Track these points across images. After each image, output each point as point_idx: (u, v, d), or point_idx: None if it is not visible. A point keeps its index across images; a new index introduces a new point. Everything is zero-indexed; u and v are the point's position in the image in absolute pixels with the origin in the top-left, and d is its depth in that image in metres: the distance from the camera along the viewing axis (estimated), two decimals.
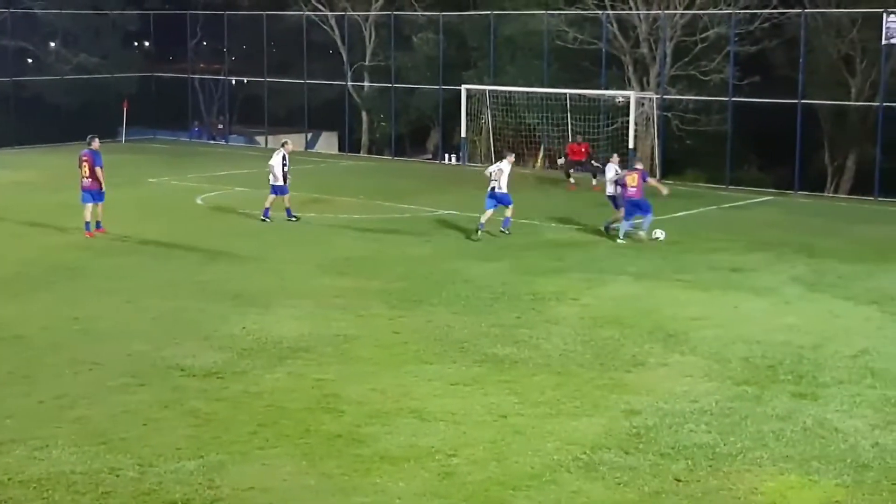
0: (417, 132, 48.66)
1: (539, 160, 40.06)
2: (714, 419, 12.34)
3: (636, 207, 23.95)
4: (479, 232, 23.92)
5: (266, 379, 13.72)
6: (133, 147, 44.65)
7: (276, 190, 26.03)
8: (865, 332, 16.36)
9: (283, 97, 48.58)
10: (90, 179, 23.84)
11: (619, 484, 10.53)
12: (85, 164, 23.92)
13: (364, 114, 46.74)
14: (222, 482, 10.47)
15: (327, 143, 48.90)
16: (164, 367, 14.23)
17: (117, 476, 10.60)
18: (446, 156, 42.50)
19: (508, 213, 24.38)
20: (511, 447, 11.41)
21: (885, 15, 32.15)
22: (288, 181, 26.03)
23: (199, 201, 29.20)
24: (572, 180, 33.98)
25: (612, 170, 25.63)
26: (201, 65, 52.31)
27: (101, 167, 24.01)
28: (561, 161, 35.10)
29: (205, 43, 51.86)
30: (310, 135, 48.07)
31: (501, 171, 24.44)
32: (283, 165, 25.91)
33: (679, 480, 10.64)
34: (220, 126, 51.84)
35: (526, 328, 16.34)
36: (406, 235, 24.54)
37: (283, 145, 26.73)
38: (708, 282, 19.90)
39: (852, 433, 11.91)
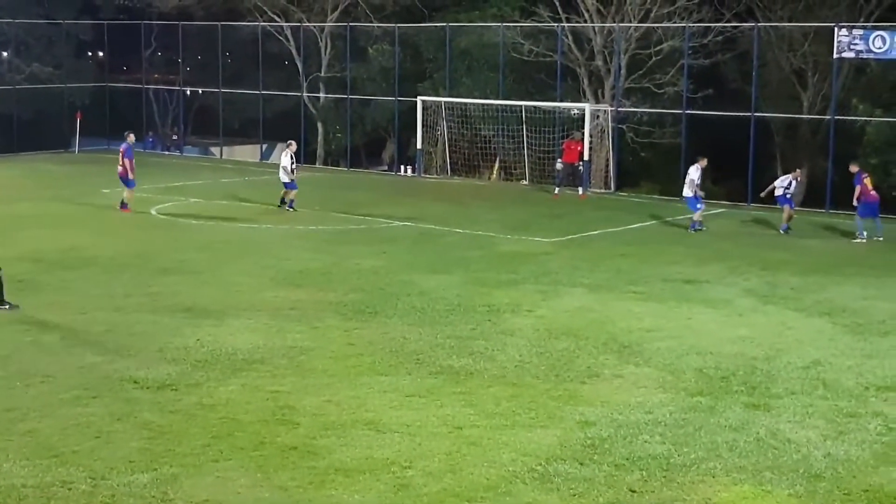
0: (373, 143, 48.64)
1: (495, 172, 40.19)
2: (668, 430, 12.40)
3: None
4: None
5: (220, 391, 13.62)
6: (86, 157, 44.30)
7: (290, 185, 29.80)
8: (817, 343, 16.52)
9: (237, 108, 48.43)
10: (122, 168, 28.87)
11: (574, 495, 10.54)
12: (120, 154, 29.11)
13: (319, 125, 46.65)
14: (175, 495, 10.37)
15: (295, 149, 48.60)
16: (116, 379, 14.08)
17: (69, 489, 10.48)
18: (402, 167, 42.51)
19: None
20: (466, 459, 11.40)
21: (836, 29, 32.57)
22: (295, 177, 30.02)
23: (153, 212, 29.00)
24: (557, 191, 34.11)
25: (695, 172, 27.55)
26: (155, 75, 52.01)
27: (131, 159, 28.95)
28: (559, 165, 35.01)
29: (159, 53, 51.58)
30: (265, 146, 47.90)
31: None
32: (292, 163, 29.91)
33: (634, 491, 10.67)
34: (175, 137, 51.55)
35: (481, 340, 16.35)
36: (361, 247, 24.49)
37: (288, 146, 30.68)
38: (662, 294, 20.02)
39: (805, 444, 12.02)
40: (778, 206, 28.42)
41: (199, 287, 19.98)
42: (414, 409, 13.05)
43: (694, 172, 27.51)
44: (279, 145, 49.03)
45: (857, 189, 27.02)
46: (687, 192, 27.69)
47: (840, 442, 12.10)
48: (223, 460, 11.26)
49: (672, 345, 16.22)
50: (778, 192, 28.12)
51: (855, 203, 27.22)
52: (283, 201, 30.03)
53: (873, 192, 27.11)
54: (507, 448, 11.72)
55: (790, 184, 28.00)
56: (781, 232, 27.70)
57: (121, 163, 28.86)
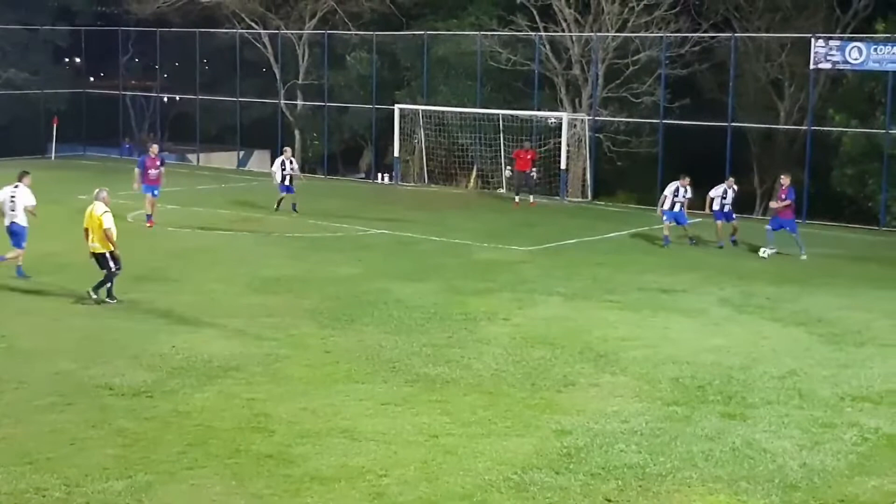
0: (350, 151, 48.63)
1: (472, 180, 40.22)
2: (644, 439, 12.41)
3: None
4: None
5: (195, 398, 13.56)
6: (63, 163, 44.07)
7: (284, 189, 30.82)
8: (793, 353, 16.58)
9: (215, 115, 48.32)
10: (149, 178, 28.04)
11: None
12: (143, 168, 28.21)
13: (297, 132, 46.59)
14: (150, 503, 10.32)
15: (260, 161, 48.63)
16: (91, 386, 14.00)
17: (43, 496, 10.40)
18: (379, 175, 42.47)
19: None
20: (442, 467, 11.38)
21: (812, 40, 32.77)
22: (289, 182, 30.90)
23: (129, 219, 28.82)
24: (517, 199, 34.18)
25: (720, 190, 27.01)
26: (132, 81, 51.87)
27: (138, 168, 28.38)
28: (508, 174, 35.19)
29: (136, 59, 51.44)
30: (242, 153, 47.79)
31: None
32: (283, 168, 30.81)
33: (609, 500, 10.68)
34: (154, 145, 51.24)
35: (457, 348, 16.34)
36: (338, 254, 24.46)
37: (282, 152, 31.72)
38: (638, 303, 20.06)
39: (780, 453, 12.05)
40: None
41: (175, 294, 19.88)
42: (390, 417, 13.02)
43: (668, 189, 27.13)
44: (256, 152, 49.16)
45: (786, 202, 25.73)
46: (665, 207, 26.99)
47: (815, 452, 12.14)
48: (198, 468, 11.20)
49: (648, 354, 16.24)
50: (716, 206, 26.91)
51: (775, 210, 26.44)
52: (292, 206, 30.89)
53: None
54: (482, 456, 11.70)
55: (724, 192, 26.97)
56: (720, 247, 26.74)
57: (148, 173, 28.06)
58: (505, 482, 11.02)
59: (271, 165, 31.64)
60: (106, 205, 19.29)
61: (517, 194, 34.60)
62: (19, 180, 21.57)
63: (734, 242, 26.89)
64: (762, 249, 25.65)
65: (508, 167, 35.61)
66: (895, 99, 32.03)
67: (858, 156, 34.37)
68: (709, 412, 13.49)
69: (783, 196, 25.89)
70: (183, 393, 13.77)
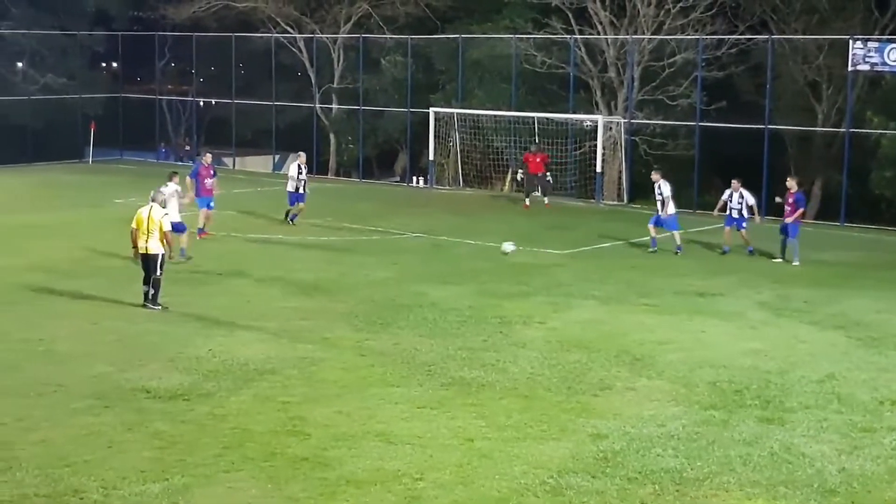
0: (385, 155, 48.66)
1: (508, 183, 40.16)
2: (681, 443, 12.33)
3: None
4: None
5: (231, 401, 13.61)
6: (99, 168, 44.42)
7: (294, 198, 29.08)
8: (831, 357, 16.43)
9: (250, 119, 48.50)
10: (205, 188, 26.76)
11: None
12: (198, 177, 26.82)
13: (332, 136, 46.70)
14: None
15: (305, 160, 48.65)
16: (128, 389, 14.08)
17: (81, 499, 10.46)
18: (414, 178, 42.51)
19: None
20: (477, 471, 11.36)
21: (850, 41, 32.49)
22: (302, 189, 29.11)
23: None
24: (527, 201, 34.22)
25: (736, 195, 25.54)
26: (169, 86, 52.16)
27: (191, 177, 26.56)
28: (521, 176, 35.25)
29: (173, 64, 51.75)
30: (277, 156, 47.95)
31: None
32: (298, 174, 29.01)
33: None
34: (187, 147, 51.63)
35: (493, 351, 16.30)
36: (373, 258, 24.48)
37: (297, 157, 30.17)
38: (674, 306, 19.95)
39: (819, 458, 11.94)
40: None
41: (211, 297, 19.98)
42: (425, 420, 13.01)
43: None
44: (292, 156, 49.28)
45: (801, 211, 24.83)
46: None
47: (855, 457, 12.02)
48: (234, 471, 11.23)
49: (684, 357, 16.15)
50: (735, 214, 25.56)
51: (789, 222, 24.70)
52: (292, 219, 29.30)
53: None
54: (518, 460, 11.67)
55: (730, 196, 25.58)
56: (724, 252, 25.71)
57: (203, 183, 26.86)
58: (541, 486, 10.98)
59: (287, 169, 29.81)
60: (163, 207, 19.44)
61: (527, 196, 34.64)
62: (169, 180, 22.89)
63: (750, 252, 25.54)
64: (775, 258, 24.77)
65: (520, 170, 35.60)
66: None
67: None
68: (746, 416, 13.39)
69: (791, 200, 24.81)
70: (219, 396, 13.82)
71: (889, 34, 35.47)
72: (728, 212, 25.75)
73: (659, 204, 26.21)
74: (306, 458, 11.60)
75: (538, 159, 34.43)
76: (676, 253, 25.67)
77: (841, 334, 17.92)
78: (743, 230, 25.63)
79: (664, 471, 11.46)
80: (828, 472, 11.55)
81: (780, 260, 24.77)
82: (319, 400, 13.73)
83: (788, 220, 24.75)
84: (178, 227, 21.88)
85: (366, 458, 11.64)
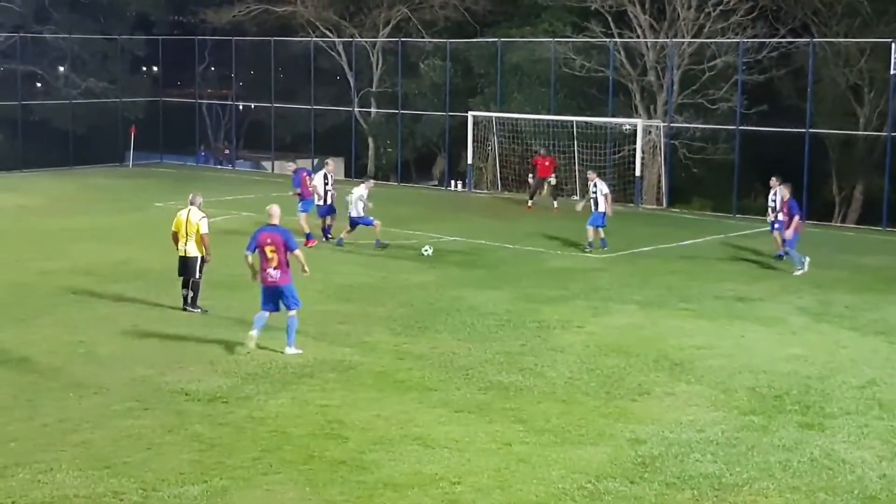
0: (423, 158, 48.74)
1: (546, 188, 40.06)
2: (720, 449, 12.27)
3: None
4: None
5: (270, 404, 13.67)
6: (140, 171, 44.80)
7: (324, 211, 27.20)
8: (872, 363, 16.28)
9: (289, 122, 48.76)
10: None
11: None
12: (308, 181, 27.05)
13: (370, 140, 46.82)
14: None
15: (334, 168, 48.82)
16: (167, 391, 14.19)
17: (121, 500, 10.55)
18: (452, 182, 42.52)
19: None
20: (515, 475, 11.34)
21: (893, 45, 32.18)
22: (331, 201, 27.11)
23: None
24: (530, 203, 34.37)
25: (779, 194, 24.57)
26: (209, 90, 52.53)
27: (295, 185, 27.25)
28: (531, 179, 35.42)
29: (212, 68, 52.10)
30: (316, 160, 48.09)
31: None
32: (325, 184, 27.04)
33: None
34: (227, 151, 51.93)
35: (531, 356, 16.28)
36: (411, 262, 24.52)
37: (325, 165, 27.98)
38: (713, 311, 19.84)
39: (860, 464, 11.84)
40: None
41: (250, 301, 19.92)
42: (463, 424, 13.01)
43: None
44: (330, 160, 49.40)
45: (796, 219, 23.62)
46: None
47: None
48: (272, 473, 11.28)
49: (724, 363, 16.05)
50: (771, 217, 24.90)
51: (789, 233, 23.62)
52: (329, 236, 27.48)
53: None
54: (556, 465, 11.65)
55: (773, 198, 24.84)
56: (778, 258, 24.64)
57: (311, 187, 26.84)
58: (579, 491, 10.95)
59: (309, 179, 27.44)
60: (200, 210, 19.53)
61: (531, 198, 34.95)
62: (363, 180, 24.16)
63: (779, 257, 24.76)
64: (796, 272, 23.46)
65: (530, 174, 35.70)
66: None
67: None
68: (786, 422, 13.29)
69: (784, 209, 23.88)
70: (258, 399, 13.89)
71: None
72: (775, 216, 24.84)
73: (593, 203, 26.11)
74: (344, 462, 11.63)
75: (547, 162, 34.62)
76: (591, 248, 26.24)
77: (882, 340, 17.76)
78: (776, 232, 24.74)
79: (703, 476, 11.40)
80: (868, 478, 11.45)
81: (802, 271, 23.43)
82: (357, 403, 13.76)
83: (788, 234, 23.56)
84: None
85: (404, 462, 11.65)
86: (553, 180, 35.21)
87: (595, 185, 26.25)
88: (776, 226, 24.79)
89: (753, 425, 13.16)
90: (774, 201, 25.02)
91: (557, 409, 13.70)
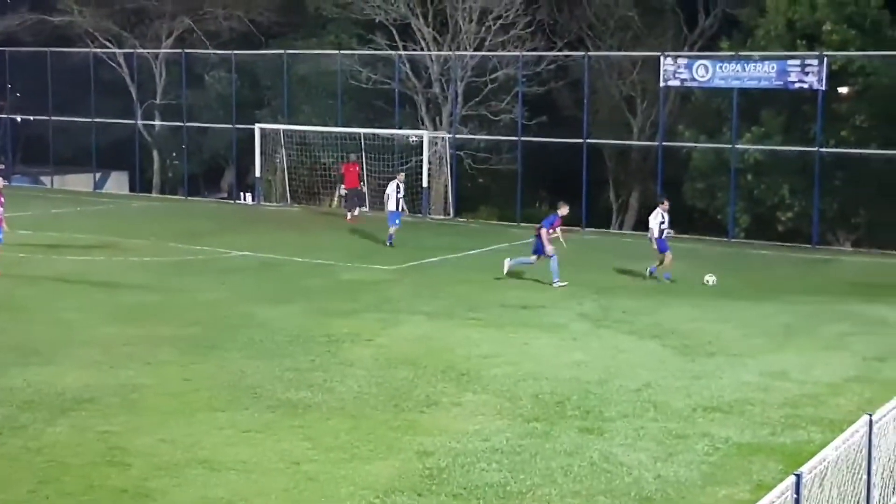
0: (211, 171, 48.06)
1: (336, 199, 40.13)
2: (505, 457, 12.54)
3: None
4: None
5: (47, 433, 13.18)
6: None
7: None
8: (648, 365, 16.95)
9: (70, 136, 47.17)
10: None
11: None
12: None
13: (155, 153, 45.86)
14: None
15: (117, 183, 47.70)
16: None
17: None
18: (241, 195, 42.07)
19: None
20: (304, 494, 11.32)
21: (662, 58, 33.67)
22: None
23: None
24: (356, 212, 34.60)
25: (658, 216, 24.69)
26: None
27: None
28: (343, 191, 35.60)
29: None
30: (98, 175, 46.78)
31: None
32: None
33: None
34: (3, 166, 49.82)
35: (320, 371, 16.26)
36: (200, 278, 24.13)
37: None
38: (500, 319, 20.28)
39: (636, 466, 12.30)
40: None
41: (28, 324, 19.33)
42: (251, 445, 12.88)
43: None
44: (114, 174, 48.17)
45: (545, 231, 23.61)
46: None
47: (670, 463, 12.43)
48: None
49: (509, 371, 16.42)
50: (656, 234, 24.69)
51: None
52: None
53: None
54: (345, 482, 11.67)
55: (663, 216, 24.82)
56: (666, 280, 24.61)
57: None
58: None
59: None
60: None
61: (349, 210, 35.24)
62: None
63: (651, 273, 25.03)
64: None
65: (341, 185, 35.97)
66: (741, 115, 33.11)
67: (708, 170, 35.36)
68: (568, 427, 13.70)
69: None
70: (34, 428, 13.36)
71: (697, 51, 36.96)
72: (661, 233, 24.71)
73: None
74: (126, 490, 11.33)
75: (356, 169, 34.90)
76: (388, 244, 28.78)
77: (657, 343, 18.51)
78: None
79: (488, 485, 11.63)
80: (644, 479, 11.91)
81: (562, 283, 23.61)
82: (141, 428, 13.44)
83: (549, 250, 23.61)
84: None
85: (189, 487, 11.46)
86: (343, 190, 35.35)
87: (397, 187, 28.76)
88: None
89: (536, 432, 13.50)
90: (664, 222, 24.76)
91: (346, 424, 13.72)
